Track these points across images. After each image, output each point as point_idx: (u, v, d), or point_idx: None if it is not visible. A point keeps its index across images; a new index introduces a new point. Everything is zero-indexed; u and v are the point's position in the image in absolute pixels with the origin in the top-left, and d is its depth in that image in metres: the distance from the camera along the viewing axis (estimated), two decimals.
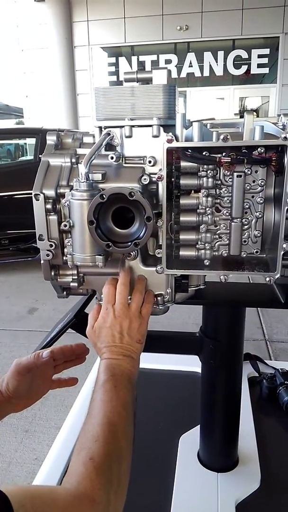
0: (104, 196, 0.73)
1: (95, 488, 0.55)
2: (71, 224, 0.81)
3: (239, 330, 1.08)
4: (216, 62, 9.34)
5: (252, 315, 2.89)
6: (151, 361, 1.59)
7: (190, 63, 9.46)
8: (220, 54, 9.37)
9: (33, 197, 0.83)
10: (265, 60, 9.03)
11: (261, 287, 1.11)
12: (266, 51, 9.28)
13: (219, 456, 1.23)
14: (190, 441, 1.30)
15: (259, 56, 8.93)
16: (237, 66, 9.14)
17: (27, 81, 9.83)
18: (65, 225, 0.82)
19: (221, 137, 0.75)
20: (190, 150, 0.79)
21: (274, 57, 8.89)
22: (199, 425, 1.26)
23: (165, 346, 1.13)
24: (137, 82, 0.86)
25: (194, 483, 1.17)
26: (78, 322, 1.06)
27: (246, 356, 1.63)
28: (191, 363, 1.70)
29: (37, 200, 0.83)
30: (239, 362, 1.11)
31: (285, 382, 1.49)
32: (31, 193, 0.83)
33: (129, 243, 0.77)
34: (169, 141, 0.77)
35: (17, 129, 5.12)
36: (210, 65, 9.34)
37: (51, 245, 0.86)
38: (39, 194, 0.83)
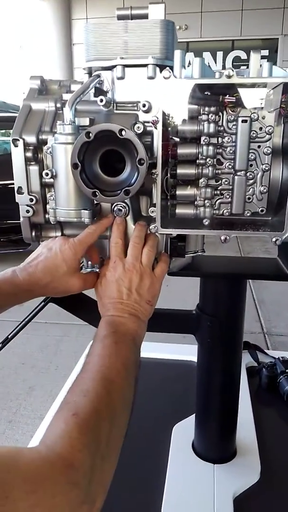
0: (90, 134, 0.64)
1: (74, 448, 0.43)
2: (54, 173, 0.71)
3: (239, 306, 0.98)
4: (215, 62, 9.30)
5: (250, 307, 2.81)
6: (144, 349, 1.50)
7: (189, 63, 9.41)
8: (219, 54, 9.34)
9: (11, 143, 0.74)
10: (264, 62, 9.00)
11: (264, 260, 1.02)
12: (265, 52, 9.25)
13: (216, 446, 1.13)
14: (184, 431, 1.20)
15: None
16: (236, 67, 9.08)
17: (25, 78, 9.75)
18: (47, 174, 0.72)
19: (225, 73, 0.66)
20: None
21: (273, 58, 8.86)
22: (193, 415, 1.16)
23: (159, 324, 1.03)
24: (131, 19, 0.77)
25: (189, 475, 1.07)
26: None
27: (245, 344, 1.53)
28: (186, 352, 1.61)
29: (16, 146, 0.74)
30: (239, 341, 1.02)
31: (286, 370, 1.39)
32: None
33: (119, 191, 0.67)
34: (167, 77, 0.68)
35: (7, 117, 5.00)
36: (209, 65, 9.31)
37: (31, 200, 0.76)
38: (18, 140, 0.74)
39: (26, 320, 0.98)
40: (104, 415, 0.51)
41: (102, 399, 0.52)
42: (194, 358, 1.55)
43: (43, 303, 1.01)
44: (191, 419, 1.18)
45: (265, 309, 2.88)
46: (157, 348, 1.65)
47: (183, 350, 1.64)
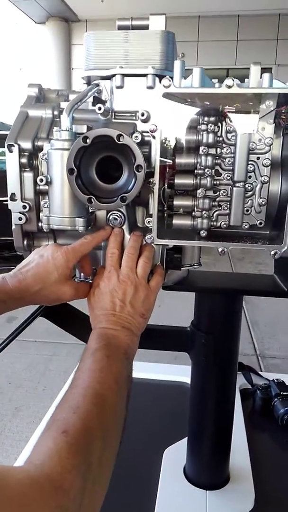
0: (88, 138, 0.62)
1: (64, 470, 0.40)
2: (49, 180, 0.70)
3: (235, 323, 0.96)
4: None
5: (243, 329, 2.77)
6: (134, 369, 1.46)
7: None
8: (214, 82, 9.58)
9: (6, 148, 0.72)
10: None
11: (261, 276, 1.00)
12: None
13: (208, 471, 1.08)
14: (175, 455, 1.15)
15: None
16: None
17: (23, 100, 9.88)
18: (42, 180, 0.70)
19: (225, 82, 0.66)
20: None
21: None
22: (186, 438, 1.11)
23: (151, 341, 0.99)
24: (131, 30, 0.77)
25: (180, 501, 1.02)
26: (51, 307, 0.93)
27: (238, 366, 1.50)
28: (178, 372, 1.57)
29: (11, 152, 0.72)
30: (235, 360, 0.99)
31: (281, 393, 1.36)
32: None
33: (115, 198, 0.65)
34: (167, 86, 0.67)
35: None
36: None
37: (24, 207, 0.74)
38: (13, 145, 0.72)
39: (14, 334, 0.95)
40: (96, 433, 0.47)
41: (94, 416, 0.48)
42: (185, 379, 1.51)
43: (31, 317, 0.98)
44: (183, 442, 1.14)
45: (258, 330, 2.85)
46: (148, 368, 1.61)
47: (175, 370, 1.60)
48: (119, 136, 0.62)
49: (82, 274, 0.78)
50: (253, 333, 2.80)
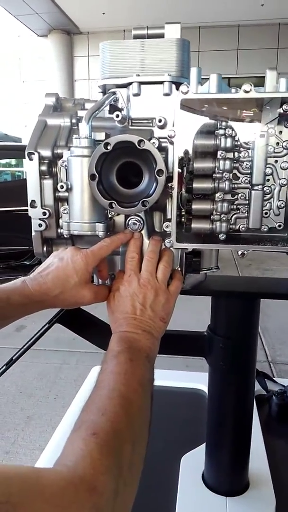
0: (109, 145, 0.63)
1: (97, 471, 0.40)
2: (69, 186, 0.70)
3: (253, 327, 0.96)
4: None
5: None
6: None
7: None
8: None
9: (27, 156, 0.74)
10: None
11: (279, 280, 1.00)
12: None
13: (228, 478, 1.07)
14: (193, 462, 1.14)
15: None
16: None
17: (27, 112, 10.00)
18: (62, 187, 0.71)
19: (243, 87, 0.67)
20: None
21: None
22: (203, 444, 1.11)
23: (168, 346, 1.00)
24: (147, 38, 0.79)
25: (200, 508, 1.01)
26: (67, 314, 0.93)
27: None
28: (194, 379, 1.56)
29: (31, 160, 0.73)
30: (253, 365, 0.99)
31: None
32: (23, 210, 0.74)
33: (136, 203, 0.66)
34: (185, 92, 0.68)
35: (14, 145, 5.10)
36: None
37: (44, 213, 0.75)
38: (33, 153, 0.73)
39: (33, 340, 0.95)
40: (125, 436, 0.47)
41: (122, 419, 0.49)
42: (201, 386, 1.51)
43: (48, 324, 0.98)
44: (201, 449, 1.13)
45: (269, 337, 2.83)
46: (163, 375, 1.60)
47: (191, 377, 1.59)
48: (140, 141, 0.63)
49: (99, 280, 0.78)
50: (263, 339, 2.78)
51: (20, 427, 1.89)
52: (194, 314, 2.10)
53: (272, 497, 1.04)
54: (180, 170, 0.72)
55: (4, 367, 0.95)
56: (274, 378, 1.60)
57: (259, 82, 0.72)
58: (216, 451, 1.07)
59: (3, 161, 7.59)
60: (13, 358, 0.94)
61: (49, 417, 1.95)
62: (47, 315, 0.92)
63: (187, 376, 1.62)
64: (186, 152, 0.73)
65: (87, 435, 0.44)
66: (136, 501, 0.47)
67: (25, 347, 0.93)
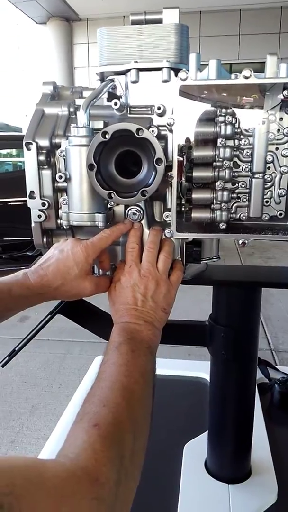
0: (107, 134, 0.62)
1: (99, 462, 0.40)
2: (67, 176, 0.70)
3: (254, 316, 0.95)
4: None
5: None
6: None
7: None
8: None
9: (24, 147, 0.73)
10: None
11: (280, 269, 1.00)
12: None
13: (230, 465, 1.08)
14: (196, 449, 1.15)
15: None
16: None
17: (26, 101, 9.92)
18: (60, 177, 0.70)
19: (243, 73, 0.66)
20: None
21: None
22: (206, 432, 1.11)
23: (170, 336, 1.00)
24: (145, 24, 0.77)
25: (203, 495, 1.02)
26: (69, 305, 0.93)
27: None
28: (196, 368, 1.57)
29: (29, 150, 0.73)
30: (254, 353, 0.99)
31: None
32: (24, 201, 0.73)
33: (135, 192, 0.65)
34: (184, 78, 0.67)
35: (14, 135, 5.06)
36: None
37: (43, 204, 0.74)
38: (31, 143, 0.72)
39: (35, 330, 0.95)
40: (127, 427, 0.48)
41: (123, 410, 0.49)
42: (203, 374, 1.51)
43: (50, 314, 0.98)
44: (203, 436, 1.14)
45: (271, 325, 2.83)
46: (165, 364, 1.61)
47: (192, 366, 1.60)
48: (138, 130, 0.62)
49: (100, 270, 0.78)
50: (266, 328, 2.79)
51: (25, 417, 1.91)
52: (197, 303, 2.10)
53: (274, 484, 1.05)
54: (180, 159, 0.72)
55: (7, 358, 0.95)
56: (276, 366, 1.60)
57: (261, 67, 0.71)
58: (219, 439, 1.07)
59: (4, 151, 7.55)
60: (15, 349, 0.95)
61: (53, 407, 1.97)
62: (50, 306, 0.92)
63: (189, 365, 1.63)
64: (186, 140, 0.72)
65: (89, 426, 0.45)
66: (139, 489, 0.48)
67: (26, 338, 0.93)
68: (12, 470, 0.34)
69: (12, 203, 3.53)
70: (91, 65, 10.03)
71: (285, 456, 1.16)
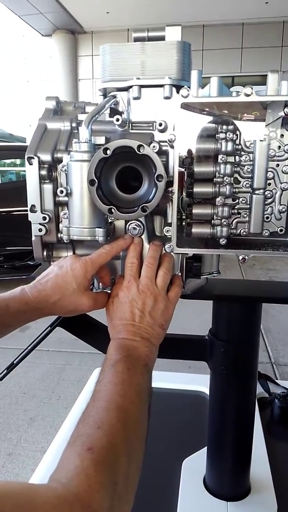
0: (108, 150, 0.63)
1: (92, 488, 0.39)
2: (68, 191, 0.70)
3: (254, 331, 0.95)
4: None
5: None
6: (152, 378, 1.45)
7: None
8: None
9: (26, 161, 0.73)
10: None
11: (280, 284, 0.99)
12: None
13: (229, 482, 1.06)
14: (195, 465, 1.14)
15: None
16: None
17: (31, 111, 10.01)
18: (62, 192, 0.71)
19: (244, 91, 0.66)
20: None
21: None
22: (205, 448, 1.10)
23: (169, 350, 0.99)
24: (148, 41, 0.78)
25: None
26: (68, 317, 0.93)
27: None
28: (195, 382, 1.56)
29: (30, 164, 0.73)
30: (254, 369, 0.98)
31: None
32: (26, 210, 0.74)
33: (136, 208, 0.66)
34: (185, 96, 0.67)
35: (18, 146, 5.11)
36: None
37: (44, 218, 0.75)
38: (33, 157, 0.73)
39: (33, 344, 0.95)
40: (121, 450, 0.47)
41: (118, 432, 0.48)
42: (203, 388, 1.50)
43: (49, 327, 0.98)
44: (202, 452, 1.12)
45: (272, 338, 2.82)
46: (164, 377, 1.60)
47: (192, 379, 1.58)
48: (139, 146, 0.62)
49: (100, 284, 0.78)
50: (266, 340, 2.77)
51: (23, 429, 1.90)
52: (198, 314, 2.09)
53: (274, 502, 1.03)
54: (181, 169, 0.72)
55: (5, 371, 0.95)
56: (276, 381, 1.59)
57: (263, 80, 0.71)
58: (218, 455, 1.06)
59: (8, 160, 7.61)
60: (14, 362, 0.94)
61: (51, 419, 1.95)
62: (50, 317, 0.92)
63: (188, 378, 1.61)
64: (186, 156, 0.73)
65: (82, 450, 0.44)
66: (137, 505, 0.47)
67: (25, 351, 0.92)
68: (2, 496, 0.34)
69: (14, 213, 3.55)
70: (95, 77, 10.13)
71: (285, 473, 1.14)
